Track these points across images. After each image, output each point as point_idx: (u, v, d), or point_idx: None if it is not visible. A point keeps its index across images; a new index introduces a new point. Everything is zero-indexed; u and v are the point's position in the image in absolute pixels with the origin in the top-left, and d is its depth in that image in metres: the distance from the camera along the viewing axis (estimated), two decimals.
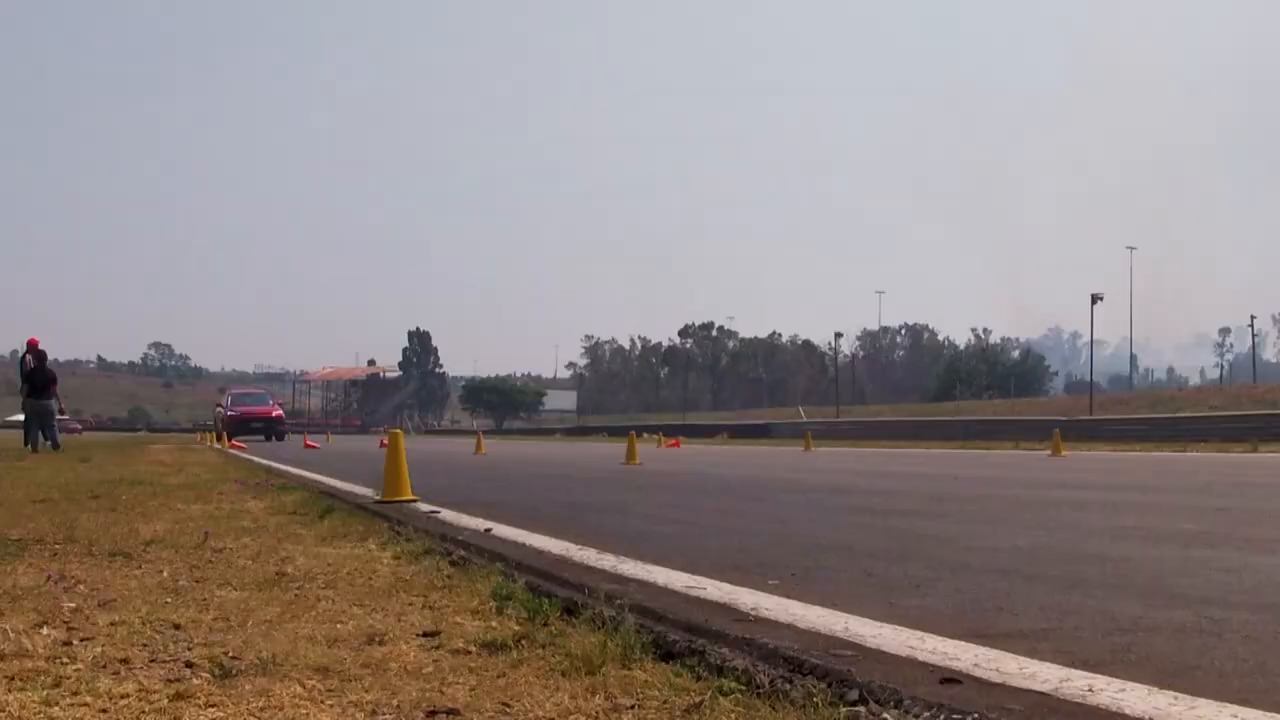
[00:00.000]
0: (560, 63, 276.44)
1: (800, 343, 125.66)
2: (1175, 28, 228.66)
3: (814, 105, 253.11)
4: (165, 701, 1.72)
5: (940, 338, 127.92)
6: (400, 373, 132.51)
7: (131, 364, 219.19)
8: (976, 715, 1.49)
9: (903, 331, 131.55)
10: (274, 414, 31.32)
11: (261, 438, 29.40)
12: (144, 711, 1.67)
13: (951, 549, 3.46)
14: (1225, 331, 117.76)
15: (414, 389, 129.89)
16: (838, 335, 72.88)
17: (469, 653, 2.05)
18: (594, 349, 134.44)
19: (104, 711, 1.67)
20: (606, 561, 3.11)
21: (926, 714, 1.52)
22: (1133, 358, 79.59)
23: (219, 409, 33.63)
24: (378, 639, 2.17)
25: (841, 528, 4.26)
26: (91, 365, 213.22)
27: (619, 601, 2.31)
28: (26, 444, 15.97)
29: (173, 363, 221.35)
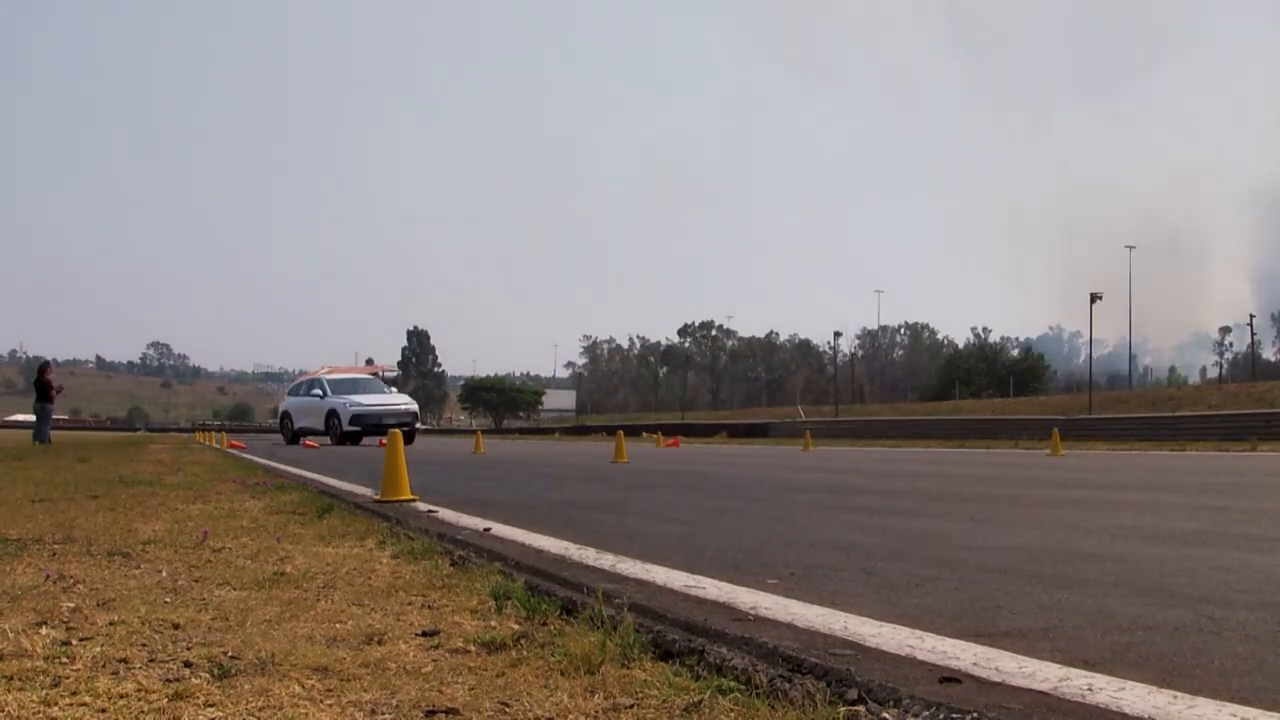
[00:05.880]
0: (558, 63, 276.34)
1: (799, 342, 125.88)
2: (1183, 28, 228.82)
3: (812, 103, 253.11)
4: (164, 701, 1.72)
5: (940, 336, 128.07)
6: (399, 372, 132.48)
7: (130, 363, 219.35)
8: (975, 714, 1.49)
9: (902, 330, 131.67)
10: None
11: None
12: (143, 711, 1.67)
13: (950, 548, 3.46)
14: (1225, 330, 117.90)
15: (412, 389, 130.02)
16: (837, 334, 73.02)
17: (468, 652, 2.05)
18: (592, 348, 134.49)
19: (103, 711, 1.67)
20: (605, 560, 3.11)
21: (925, 713, 1.52)
22: (1132, 357, 79.66)
23: (301, 403, 24.04)
24: (377, 638, 2.17)
25: (840, 527, 4.26)
26: (90, 365, 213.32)
27: (618, 601, 2.31)
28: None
29: (171, 362, 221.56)
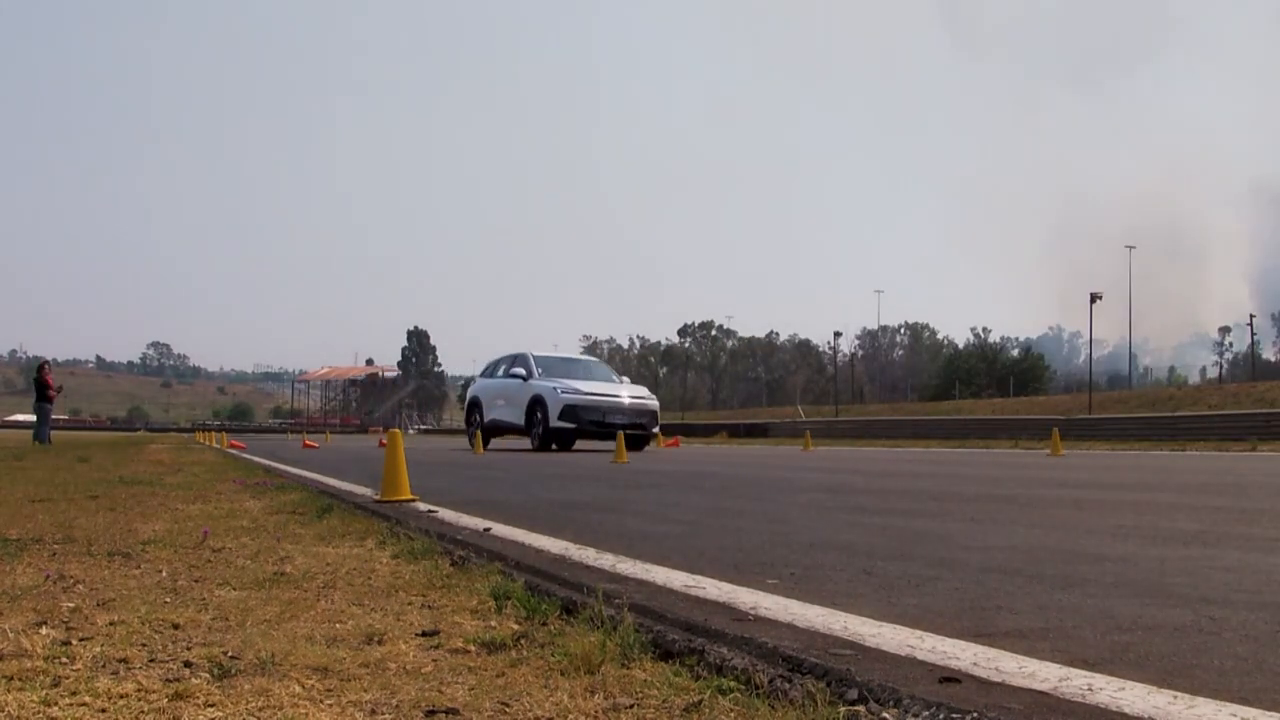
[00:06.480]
0: (558, 64, 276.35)
1: (799, 342, 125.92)
2: (1182, 25, 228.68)
3: (812, 103, 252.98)
4: (164, 701, 1.72)
5: (940, 336, 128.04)
6: (399, 372, 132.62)
7: (130, 364, 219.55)
8: (975, 714, 1.49)
9: (902, 330, 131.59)
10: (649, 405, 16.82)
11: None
12: (143, 711, 1.67)
13: (950, 548, 3.46)
14: (1225, 330, 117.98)
15: (412, 388, 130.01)
16: (837, 334, 73.18)
17: (468, 652, 2.05)
18: (593, 348, 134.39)
19: (103, 711, 1.67)
20: (605, 560, 3.11)
21: (925, 713, 1.52)
22: (1132, 357, 79.64)
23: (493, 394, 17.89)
24: (376, 638, 2.17)
25: (840, 527, 4.26)
26: (90, 365, 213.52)
27: (618, 601, 2.31)
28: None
29: (171, 362, 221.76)
